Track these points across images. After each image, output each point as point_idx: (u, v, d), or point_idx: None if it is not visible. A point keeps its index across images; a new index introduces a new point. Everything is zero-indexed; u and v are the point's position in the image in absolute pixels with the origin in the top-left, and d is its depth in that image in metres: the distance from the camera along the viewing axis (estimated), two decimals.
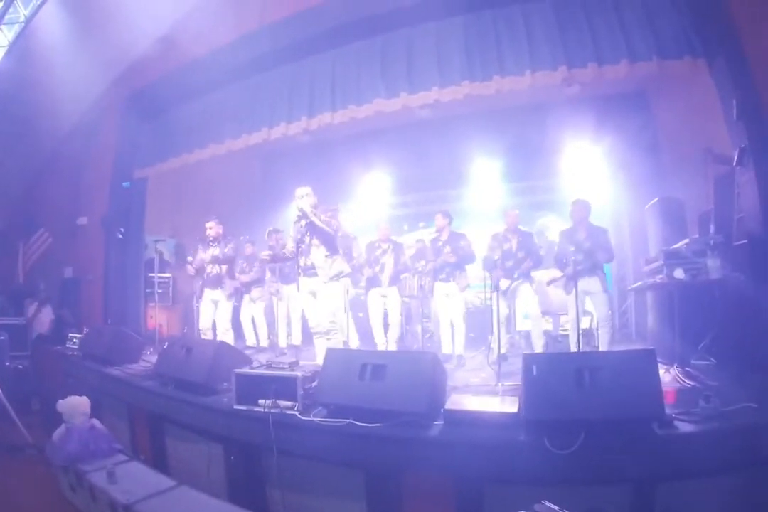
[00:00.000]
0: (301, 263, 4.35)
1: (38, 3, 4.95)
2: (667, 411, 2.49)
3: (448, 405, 2.80)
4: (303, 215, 4.27)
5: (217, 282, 5.37)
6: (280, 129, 5.48)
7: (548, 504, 1.71)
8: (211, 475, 3.82)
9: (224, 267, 5.36)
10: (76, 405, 4.21)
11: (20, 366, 6.49)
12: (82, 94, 6.81)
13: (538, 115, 6.03)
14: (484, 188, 7.34)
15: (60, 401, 4.24)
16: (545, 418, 2.50)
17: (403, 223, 8.23)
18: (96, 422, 4.29)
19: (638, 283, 4.57)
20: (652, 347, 2.99)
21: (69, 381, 5.60)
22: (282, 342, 6.19)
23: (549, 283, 5.04)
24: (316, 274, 4.37)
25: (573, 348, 4.37)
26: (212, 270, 5.35)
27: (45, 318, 7.27)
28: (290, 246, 4.46)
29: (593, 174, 6.38)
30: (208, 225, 5.37)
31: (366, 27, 5.18)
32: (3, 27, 5.07)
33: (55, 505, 3.88)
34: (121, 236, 7.11)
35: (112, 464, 3.73)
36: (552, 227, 6.14)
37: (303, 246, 4.33)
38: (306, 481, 3.30)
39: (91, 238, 7.47)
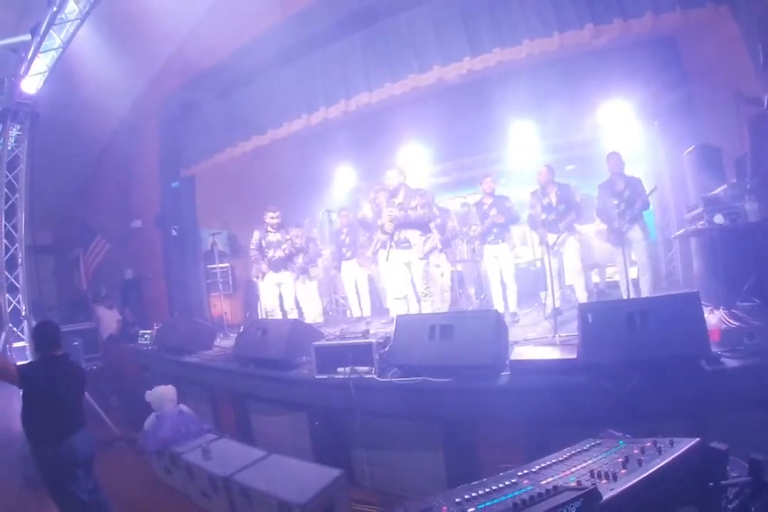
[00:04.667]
0: (395, 237, 4.71)
1: (73, 28, 5.16)
2: (714, 349, 2.68)
3: (513, 356, 3.10)
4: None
5: (280, 265, 5.64)
6: (319, 114, 5.61)
7: (612, 431, 1.93)
8: (296, 443, 4.20)
9: (287, 252, 5.60)
10: (163, 393, 4.65)
11: (95, 367, 7.01)
12: (121, 103, 7.09)
13: (568, 69, 5.93)
14: (522, 148, 7.16)
15: (148, 392, 4.67)
16: (602, 361, 2.75)
17: (444, 191, 8.18)
18: (183, 407, 4.72)
19: (681, 231, 4.61)
20: (696, 290, 3.15)
21: (146, 374, 6.00)
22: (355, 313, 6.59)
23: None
24: (410, 247, 4.71)
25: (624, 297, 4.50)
26: (275, 254, 5.60)
27: (112, 320, 7.81)
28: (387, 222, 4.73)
29: (628, 125, 6.25)
30: (272, 214, 5.58)
31: (391, 5, 5.24)
32: (41, 55, 5.34)
33: (150, 488, 4.28)
34: (175, 233, 7.49)
35: (206, 442, 4.15)
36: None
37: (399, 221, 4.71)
38: (387, 438, 3.65)
39: (148, 239, 7.90)
